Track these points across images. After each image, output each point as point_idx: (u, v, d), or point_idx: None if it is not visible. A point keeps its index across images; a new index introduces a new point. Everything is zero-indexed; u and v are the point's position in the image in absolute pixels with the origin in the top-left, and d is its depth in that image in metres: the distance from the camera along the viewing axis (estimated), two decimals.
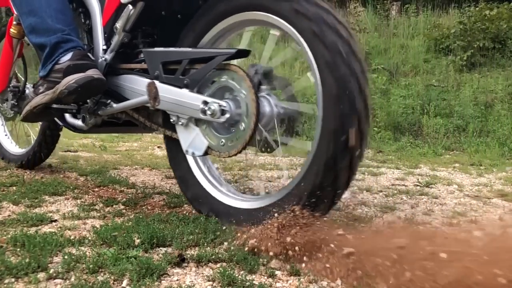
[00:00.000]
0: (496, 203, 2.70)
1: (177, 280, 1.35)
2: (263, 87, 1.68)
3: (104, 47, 2.00)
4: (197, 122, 1.74)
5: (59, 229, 1.76)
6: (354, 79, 1.45)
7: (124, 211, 2.07)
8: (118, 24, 1.89)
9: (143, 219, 1.85)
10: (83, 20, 2.15)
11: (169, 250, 1.57)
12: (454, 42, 6.94)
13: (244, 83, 1.60)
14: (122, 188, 2.57)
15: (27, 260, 1.36)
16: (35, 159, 2.93)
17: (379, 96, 5.90)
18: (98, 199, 2.28)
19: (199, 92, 1.72)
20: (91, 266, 1.35)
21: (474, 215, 2.39)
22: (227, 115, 1.62)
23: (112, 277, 1.31)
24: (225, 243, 1.63)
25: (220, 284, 1.32)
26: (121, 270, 1.33)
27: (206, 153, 1.74)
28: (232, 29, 1.80)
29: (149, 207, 2.16)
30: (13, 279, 1.28)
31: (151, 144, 4.78)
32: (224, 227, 1.74)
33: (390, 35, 7.98)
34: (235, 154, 1.67)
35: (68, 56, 1.91)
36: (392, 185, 3.10)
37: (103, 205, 2.16)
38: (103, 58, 1.99)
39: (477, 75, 6.36)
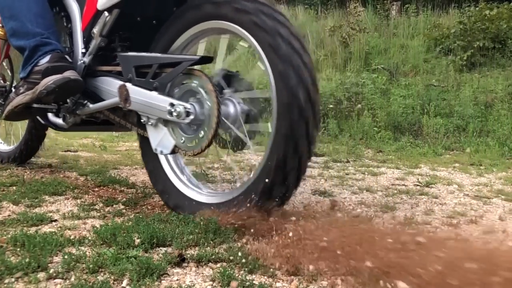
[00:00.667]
0: (496, 203, 2.70)
1: (177, 280, 1.35)
2: (226, 90, 1.82)
3: (83, 50, 2.11)
4: (165, 122, 1.85)
5: (59, 229, 1.77)
6: (304, 89, 1.60)
7: (124, 211, 2.07)
8: (95, 30, 2.02)
9: (143, 219, 1.85)
10: (65, 24, 2.25)
11: (169, 250, 1.57)
12: (454, 42, 6.94)
13: (207, 87, 1.72)
14: (122, 188, 2.57)
15: (27, 260, 1.36)
16: (21, 156, 3.12)
17: (379, 96, 5.90)
18: (98, 199, 2.28)
19: (169, 94, 1.83)
20: (91, 266, 1.35)
21: (474, 215, 2.39)
22: (192, 117, 1.75)
23: (112, 277, 1.31)
24: (225, 243, 1.63)
25: (220, 284, 1.32)
26: (121, 270, 1.33)
27: (173, 151, 1.86)
28: (200, 36, 1.92)
29: (149, 207, 2.16)
30: (13, 279, 1.28)
31: None
32: (223, 227, 1.74)
33: (390, 35, 7.97)
34: (200, 153, 1.78)
35: (47, 58, 2.02)
36: (392, 185, 3.10)
37: (103, 205, 2.16)
38: (82, 61, 2.10)
39: (477, 75, 6.35)
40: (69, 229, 1.77)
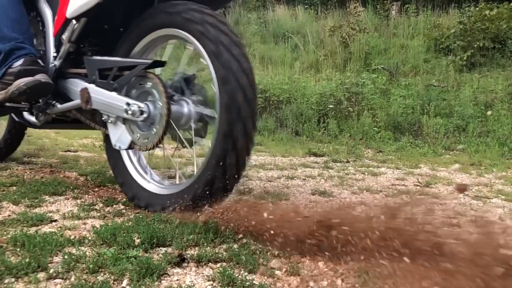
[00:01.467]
0: (496, 203, 2.70)
1: (177, 280, 1.35)
2: (176, 93, 2.02)
3: (55, 54, 2.28)
4: (123, 120, 2.03)
5: (59, 229, 1.76)
6: (242, 92, 1.79)
7: (124, 211, 2.07)
8: (65, 36, 2.19)
9: (143, 219, 1.85)
10: (41, 28, 2.40)
11: (169, 250, 1.57)
12: (454, 42, 6.94)
13: (159, 88, 1.92)
14: None
15: (27, 260, 1.36)
16: (1, 153, 3.26)
17: (379, 96, 5.89)
18: (98, 199, 2.28)
19: (127, 95, 2.01)
20: (91, 266, 1.35)
21: (474, 215, 2.39)
22: (145, 115, 1.93)
23: (112, 277, 1.31)
24: (225, 243, 1.63)
25: (220, 284, 1.32)
26: (121, 270, 1.33)
27: (130, 147, 2.04)
28: (157, 42, 2.12)
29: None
30: (13, 279, 1.28)
31: None
32: (223, 227, 1.74)
33: (390, 35, 7.97)
34: (152, 148, 1.97)
35: (20, 61, 2.17)
36: (392, 185, 3.10)
37: (103, 205, 2.16)
38: (53, 64, 2.27)
39: (477, 75, 6.35)
40: (69, 229, 1.77)
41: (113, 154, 2.20)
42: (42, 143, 4.30)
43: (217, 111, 1.85)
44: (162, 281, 1.32)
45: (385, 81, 6.36)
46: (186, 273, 1.40)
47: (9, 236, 1.60)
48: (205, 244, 1.61)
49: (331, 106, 5.70)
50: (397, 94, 5.87)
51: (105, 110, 2.05)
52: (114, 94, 2.01)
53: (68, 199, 2.28)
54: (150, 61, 1.98)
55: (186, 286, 1.30)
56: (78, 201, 2.24)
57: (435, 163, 4.14)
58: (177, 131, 1.98)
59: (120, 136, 2.06)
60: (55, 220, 1.89)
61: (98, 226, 1.77)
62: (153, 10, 2.03)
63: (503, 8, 7.07)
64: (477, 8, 7.24)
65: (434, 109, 5.52)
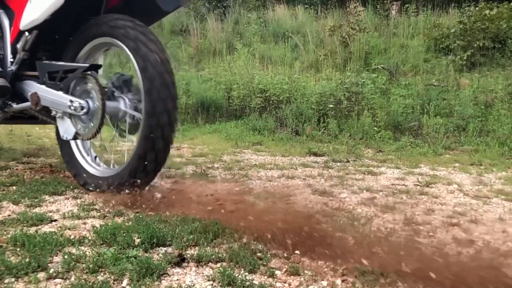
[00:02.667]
0: (496, 203, 2.70)
1: (177, 280, 1.35)
2: (117, 91, 2.38)
3: (11, 60, 2.61)
4: (69, 115, 2.41)
5: (59, 228, 1.76)
6: (162, 103, 2.17)
7: (124, 211, 2.07)
8: (19, 45, 2.54)
9: (143, 219, 1.85)
10: (1, 34, 2.73)
11: (169, 250, 1.57)
12: (454, 42, 6.93)
13: (95, 88, 2.31)
14: None
15: (27, 260, 1.36)
16: None
17: (379, 96, 5.89)
18: (98, 199, 2.28)
19: (71, 93, 2.41)
20: (91, 265, 1.35)
21: (474, 215, 2.39)
22: (85, 110, 2.32)
23: (112, 277, 1.31)
24: (225, 243, 1.63)
25: (220, 284, 1.32)
26: (121, 269, 1.33)
27: (75, 137, 2.43)
28: (98, 48, 2.52)
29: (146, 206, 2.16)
30: (13, 279, 1.28)
31: None
32: (224, 227, 1.74)
33: (390, 35, 7.96)
34: (92, 137, 2.36)
35: None
36: (392, 184, 3.10)
37: (103, 205, 2.16)
38: (10, 69, 2.59)
39: (477, 75, 6.35)
40: (69, 229, 1.77)
41: (63, 142, 2.61)
42: (42, 143, 4.30)
43: (142, 116, 2.21)
44: (162, 281, 1.32)
45: (385, 81, 6.36)
46: (186, 273, 1.40)
47: (9, 236, 1.60)
48: (205, 244, 1.61)
49: (331, 106, 5.70)
50: (397, 94, 5.86)
51: (53, 107, 2.44)
52: (60, 93, 2.40)
53: (68, 199, 2.28)
54: (87, 65, 2.38)
55: (186, 286, 1.30)
56: (78, 201, 2.24)
57: (435, 163, 4.14)
58: (108, 121, 2.37)
59: (66, 128, 2.45)
60: (55, 220, 1.89)
61: (98, 226, 1.77)
62: (92, 22, 2.43)
63: (503, 8, 7.07)
64: (477, 8, 7.23)
65: (434, 109, 5.51)
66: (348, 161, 4.03)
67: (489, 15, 6.99)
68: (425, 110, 5.59)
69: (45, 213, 1.96)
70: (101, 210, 2.07)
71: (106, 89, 2.36)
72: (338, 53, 7.46)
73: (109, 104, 2.33)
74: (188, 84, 6.68)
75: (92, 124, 2.33)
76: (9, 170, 2.99)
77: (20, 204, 2.12)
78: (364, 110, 5.69)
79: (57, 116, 2.46)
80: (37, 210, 2.04)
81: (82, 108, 2.32)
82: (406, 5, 8.66)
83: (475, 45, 6.80)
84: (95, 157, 2.60)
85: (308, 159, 4.12)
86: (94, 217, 1.97)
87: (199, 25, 8.99)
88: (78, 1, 2.42)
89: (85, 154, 2.59)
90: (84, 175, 2.48)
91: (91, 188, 2.39)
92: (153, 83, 2.17)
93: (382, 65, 6.93)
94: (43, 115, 2.57)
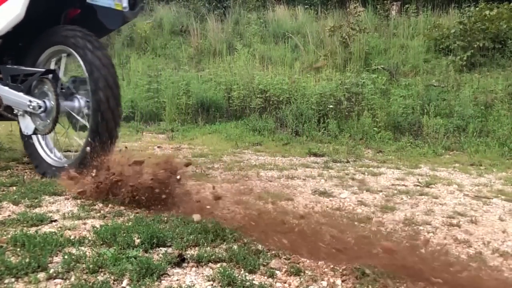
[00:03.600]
0: (496, 203, 2.70)
1: (177, 280, 1.35)
2: (73, 91, 2.76)
3: None
4: (29, 113, 2.77)
5: (59, 229, 1.76)
6: (105, 102, 2.55)
7: (124, 211, 2.07)
8: None
9: (143, 219, 1.85)
10: None
11: (169, 250, 1.57)
12: (454, 42, 6.93)
13: (51, 90, 2.68)
14: None
15: (27, 260, 1.36)
16: None
17: (379, 96, 5.89)
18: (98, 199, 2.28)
19: (32, 94, 2.76)
20: (91, 266, 1.35)
21: (474, 215, 2.39)
22: (42, 109, 2.70)
23: (112, 277, 1.31)
24: (225, 243, 1.63)
25: (220, 284, 1.32)
26: (121, 270, 1.33)
27: (34, 132, 2.80)
28: (55, 55, 2.88)
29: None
30: (13, 279, 1.28)
31: (151, 144, 4.78)
32: (224, 227, 1.74)
33: (390, 35, 7.95)
34: (49, 132, 2.77)
35: None
36: (392, 185, 3.10)
37: (103, 205, 2.16)
38: None
39: (477, 75, 6.34)
40: (69, 229, 1.77)
41: (26, 137, 2.92)
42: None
43: (90, 112, 2.60)
44: (162, 281, 1.32)
45: (385, 81, 6.35)
46: (186, 273, 1.40)
47: (9, 236, 1.60)
48: (205, 244, 1.61)
49: (331, 106, 5.70)
50: (397, 94, 5.86)
51: (15, 106, 2.80)
52: (21, 94, 2.76)
53: (68, 199, 2.28)
54: (43, 70, 2.76)
55: (186, 286, 1.30)
56: (78, 201, 2.24)
57: (435, 163, 4.14)
58: (64, 118, 2.83)
59: (26, 124, 2.82)
60: (55, 220, 1.89)
61: (98, 226, 1.77)
62: (49, 31, 2.80)
63: (503, 8, 7.06)
64: (477, 8, 7.22)
65: (434, 109, 5.51)
66: (348, 162, 4.03)
67: (489, 16, 6.99)
68: (425, 111, 5.59)
69: (45, 213, 1.96)
70: (101, 211, 2.07)
71: (64, 90, 2.76)
72: (338, 53, 7.46)
73: (65, 103, 2.74)
74: (188, 84, 6.67)
75: (48, 121, 2.72)
76: (9, 170, 2.99)
77: (20, 205, 2.12)
78: (364, 110, 5.68)
79: (18, 114, 2.82)
80: (37, 210, 2.04)
81: (40, 107, 2.71)
82: (406, 6, 8.66)
83: (475, 46, 6.80)
84: (54, 149, 2.99)
85: (308, 159, 4.12)
86: (94, 217, 1.97)
87: (199, 25, 8.99)
88: (39, 14, 2.74)
89: (45, 147, 2.96)
90: (44, 165, 2.85)
91: (48, 176, 2.74)
92: (97, 85, 2.55)
93: (382, 66, 6.93)
94: (8, 112, 2.89)
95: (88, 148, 2.50)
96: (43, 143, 2.96)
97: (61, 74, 2.85)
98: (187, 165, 2.43)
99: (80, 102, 2.75)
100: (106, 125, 2.57)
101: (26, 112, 2.78)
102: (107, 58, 2.66)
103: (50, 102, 2.69)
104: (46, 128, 2.74)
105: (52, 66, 2.90)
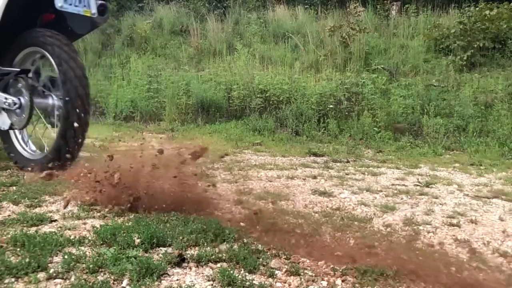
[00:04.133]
0: (496, 203, 2.70)
1: (177, 280, 1.35)
2: (47, 89, 2.99)
3: None
4: (5, 110, 3.00)
5: (59, 229, 1.76)
6: (74, 90, 2.80)
7: (124, 211, 2.07)
8: None
9: (143, 219, 1.85)
10: None
11: (169, 250, 1.57)
12: (454, 42, 6.92)
13: (25, 88, 2.92)
14: None
15: (27, 260, 1.36)
16: None
17: (379, 96, 5.88)
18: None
19: (8, 92, 3.00)
20: (91, 266, 1.35)
21: (474, 215, 2.39)
22: (17, 106, 2.93)
23: (112, 277, 1.31)
24: (225, 243, 1.63)
25: (220, 284, 1.32)
26: (121, 270, 1.33)
27: (10, 127, 3.03)
28: (30, 56, 3.10)
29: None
30: (13, 279, 1.28)
31: (151, 144, 4.78)
32: (224, 227, 1.74)
33: (390, 35, 7.94)
34: (24, 127, 3.01)
35: None
36: (392, 185, 3.10)
37: (103, 205, 2.16)
38: None
39: (477, 75, 6.33)
40: (69, 229, 1.77)
41: (4, 133, 3.13)
42: (41, 143, 4.29)
43: (61, 109, 2.85)
44: (162, 281, 1.32)
45: (385, 81, 6.34)
46: (186, 273, 1.40)
47: (9, 236, 1.60)
48: (205, 244, 1.61)
49: (331, 106, 5.70)
50: (397, 94, 5.86)
51: None
52: None
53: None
54: (18, 70, 2.98)
55: (186, 286, 1.30)
56: (78, 201, 2.24)
57: (435, 163, 4.14)
58: (40, 116, 3.05)
59: (3, 120, 3.02)
60: (55, 220, 1.89)
61: (98, 226, 1.77)
62: (25, 34, 3.02)
63: (503, 8, 7.06)
64: (477, 8, 7.22)
65: (434, 109, 5.51)
66: (348, 162, 4.03)
67: (489, 16, 6.99)
68: (425, 111, 5.58)
69: (45, 213, 1.96)
70: (101, 211, 2.07)
71: (39, 88, 3.00)
72: (338, 53, 7.46)
73: (40, 100, 2.98)
74: (188, 84, 6.67)
75: (23, 117, 2.94)
76: (9, 170, 2.99)
77: (20, 204, 2.12)
78: (364, 110, 5.68)
79: None
80: (37, 210, 2.04)
81: (15, 104, 2.94)
82: (406, 6, 8.66)
83: (475, 46, 6.80)
84: (29, 143, 3.19)
85: (308, 159, 4.12)
86: (94, 217, 1.97)
87: (199, 25, 8.99)
88: (15, 19, 2.96)
89: (21, 142, 3.16)
90: (21, 159, 3.05)
91: (24, 169, 2.93)
92: (66, 75, 2.80)
93: (382, 66, 6.93)
94: None
95: (76, 124, 2.78)
96: (20, 137, 3.19)
97: (36, 73, 3.09)
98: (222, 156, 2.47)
99: (54, 99, 2.96)
100: (76, 112, 2.79)
101: (2, 108, 3.01)
102: (74, 53, 2.91)
103: (25, 99, 2.92)
104: (21, 124, 2.97)
105: (28, 66, 3.12)
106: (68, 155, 2.80)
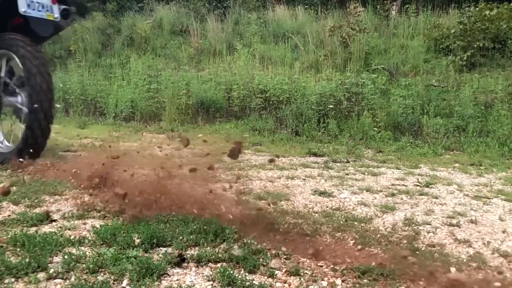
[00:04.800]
0: (496, 203, 2.70)
1: (177, 280, 1.35)
2: (17, 88, 3.23)
3: None
4: None
5: (59, 229, 1.76)
6: (39, 86, 3.05)
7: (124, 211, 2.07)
8: None
9: (143, 219, 1.85)
10: None
11: (169, 250, 1.57)
12: (454, 42, 6.92)
13: None
14: None
15: (27, 260, 1.36)
16: None
17: (379, 96, 5.88)
18: (98, 199, 2.28)
19: None
20: (91, 266, 1.35)
21: (474, 215, 2.39)
22: None
23: (112, 277, 1.31)
24: (225, 243, 1.63)
25: (220, 284, 1.32)
26: (121, 270, 1.33)
27: None
28: (2, 56, 3.32)
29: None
30: (13, 279, 1.28)
31: (151, 144, 4.79)
32: (224, 227, 1.74)
33: (390, 35, 7.94)
34: None
35: None
36: (392, 185, 3.10)
37: (103, 205, 2.16)
38: None
39: (477, 75, 6.33)
40: (69, 229, 1.77)
41: None
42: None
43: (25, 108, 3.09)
44: (162, 281, 1.32)
45: (385, 81, 6.34)
46: (186, 273, 1.40)
47: (9, 236, 1.60)
48: (205, 244, 1.61)
49: (331, 106, 5.70)
50: (397, 94, 5.85)
51: None
52: None
53: (68, 199, 2.28)
54: None
55: (186, 286, 1.30)
56: (78, 201, 2.24)
57: (435, 163, 4.14)
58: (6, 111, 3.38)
59: None
60: (55, 220, 1.89)
61: (98, 226, 1.77)
62: None
63: (503, 8, 7.06)
64: (477, 8, 7.21)
65: (434, 109, 5.51)
66: (348, 162, 4.03)
67: (489, 16, 6.99)
68: (425, 111, 5.58)
69: (45, 213, 1.96)
70: (101, 211, 2.07)
71: (9, 88, 3.23)
72: (338, 53, 7.46)
73: (9, 98, 3.23)
74: (188, 84, 6.67)
75: None
76: (9, 170, 2.99)
77: (20, 205, 2.12)
78: (364, 110, 5.68)
79: None
80: (37, 210, 2.04)
81: None
82: (406, 6, 8.66)
83: (475, 46, 6.80)
84: (4, 139, 3.41)
85: (308, 159, 4.12)
86: (94, 217, 1.97)
87: (199, 25, 8.99)
88: None
89: None
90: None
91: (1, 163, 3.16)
92: (30, 72, 3.02)
93: (382, 66, 6.93)
94: None
95: (40, 117, 3.01)
96: None
97: (3, 73, 3.33)
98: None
99: (22, 97, 3.17)
100: (41, 106, 3.02)
101: None
102: (38, 52, 3.16)
103: None
104: None
105: (3, 67, 3.34)
106: (35, 146, 3.05)
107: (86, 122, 6.26)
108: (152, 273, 1.32)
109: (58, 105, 6.67)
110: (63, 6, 3.51)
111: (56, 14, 3.43)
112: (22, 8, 3.21)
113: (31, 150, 3.04)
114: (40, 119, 3.05)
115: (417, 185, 3.09)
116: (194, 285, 1.30)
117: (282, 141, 5.09)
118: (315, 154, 4.33)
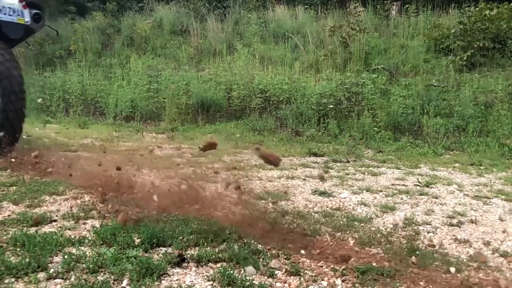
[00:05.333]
0: (496, 203, 2.70)
1: (177, 280, 1.35)
2: None
3: None
4: None
5: (59, 229, 1.76)
6: (9, 87, 3.30)
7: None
8: None
9: (143, 219, 1.85)
10: None
11: (169, 250, 1.57)
12: (454, 42, 6.92)
13: None
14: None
15: (27, 260, 1.36)
16: None
17: (379, 96, 5.88)
18: (98, 199, 2.28)
19: None
20: (91, 266, 1.35)
21: (474, 215, 2.39)
22: None
23: (112, 277, 1.31)
24: (225, 243, 1.63)
25: (220, 284, 1.32)
26: (121, 270, 1.33)
27: None
28: None
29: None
30: (13, 279, 1.28)
31: (151, 144, 4.79)
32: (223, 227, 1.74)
33: (390, 35, 7.94)
34: None
35: None
36: (392, 185, 3.10)
37: (103, 205, 2.16)
38: None
39: (477, 75, 6.33)
40: (69, 229, 1.77)
41: None
42: (42, 143, 4.30)
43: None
44: (162, 281, 1.32)
45: (385, 81, 6.34)
46: (186, 273, 1.40)
47: (9, 236, 1.60)
48: (205, 244, 1.61)
49: (331, 106, 5.70)
50: (397, 94, 5.85)
51: None
52: None
53: (68, 199, 2.28)
54: None
55: (186, 286, 1.30)
56: (78, 201, 2.24)
57: (435, 163, 4.14)
58: None
59: None
60: (55, 220, 1.89)
61: (98, 226, 1.77)
62: None
63: (503, 8, 7.05)
64: (477, 8, 7.21)
65: (434, 109, 5.50)
66: (348, 162, 4.03)
67: (489, 16, 6.99)
68: (425, 111, 5.58)
69: (45, 213, 1.96)
70: (101, 211, 2.07)
71: None
72: (338, 53, 7.46)
73: None
74: (188, 84, 6.67)
75: None
76: (9, 170, 2.99)
77: (20, 205, 2.12)
78: (364, 110, 5.68)
79: None
80: (37, 210, 2.04)
81: None
82: (406, 6, 8.66)
83: (475, 46, 6.80)
84: None
85: (308, 159, 4.12)
86: (94, 217, 1.97)
87: (199, 25, 8.98)
88: None
89: None
90: None
91: None
92: (1, 74, 3.19)
93: (382, 66, 6.93)
94: None
95: (11, 115, 3.24)
96: None
97: None
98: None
99: None
100: (12, 105, 3.26)
101: None
102: (9, 55, 3.40)
103: None
104: None
105: None
106: (7, 141, 3.24)
107: (86, 122, 6.26)
108: (152, 273, 1.32)
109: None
110: (34, 11, 3.72)
111: (27, 18, 3.64)
112: None
113: (3, 145, 3.24)
114: (11, 118, 3.26)
115: (417, 185, 3.09)
116: (194, 285, 1.31)
117: (282, 141, 5.09)
118: (315, 154, 4.33)
